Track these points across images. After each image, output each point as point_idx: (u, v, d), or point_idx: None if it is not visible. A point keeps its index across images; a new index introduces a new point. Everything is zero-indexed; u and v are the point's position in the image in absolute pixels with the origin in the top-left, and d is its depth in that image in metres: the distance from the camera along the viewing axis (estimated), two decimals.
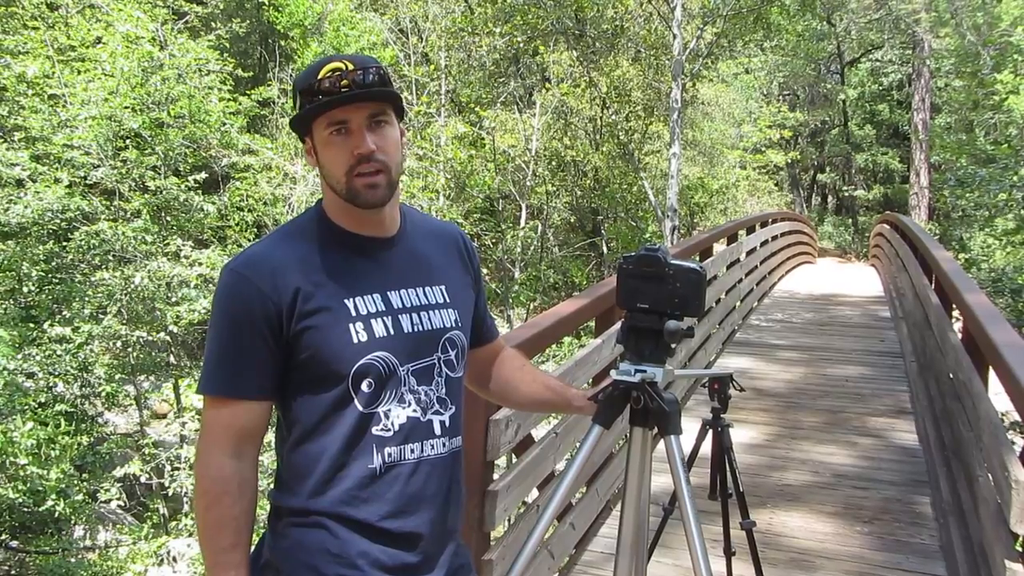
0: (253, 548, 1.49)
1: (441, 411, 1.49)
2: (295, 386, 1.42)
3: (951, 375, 4.33)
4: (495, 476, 2.86)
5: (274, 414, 1.49)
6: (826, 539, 4.07)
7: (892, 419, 6.09)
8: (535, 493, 3.39)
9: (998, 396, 3.11)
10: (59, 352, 8.45)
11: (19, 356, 8.16)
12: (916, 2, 22.67)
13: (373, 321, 1.41)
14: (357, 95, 1.37)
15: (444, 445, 1.48)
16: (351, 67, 1.37)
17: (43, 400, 8.38)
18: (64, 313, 9.22)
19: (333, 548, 1.40)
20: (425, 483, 1.45)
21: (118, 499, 8.95)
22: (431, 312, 1.49)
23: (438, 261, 1.57)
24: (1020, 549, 2.49)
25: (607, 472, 4.08)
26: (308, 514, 1.41)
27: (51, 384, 8.59)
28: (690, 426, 3.35)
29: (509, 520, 3.45)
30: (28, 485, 7.24)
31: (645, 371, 1.60)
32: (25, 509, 7.65)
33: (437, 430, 1.47)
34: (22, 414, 7.61)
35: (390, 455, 1.42)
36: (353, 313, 1.40)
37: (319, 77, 1.36)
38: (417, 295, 1.49)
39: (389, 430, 1.42)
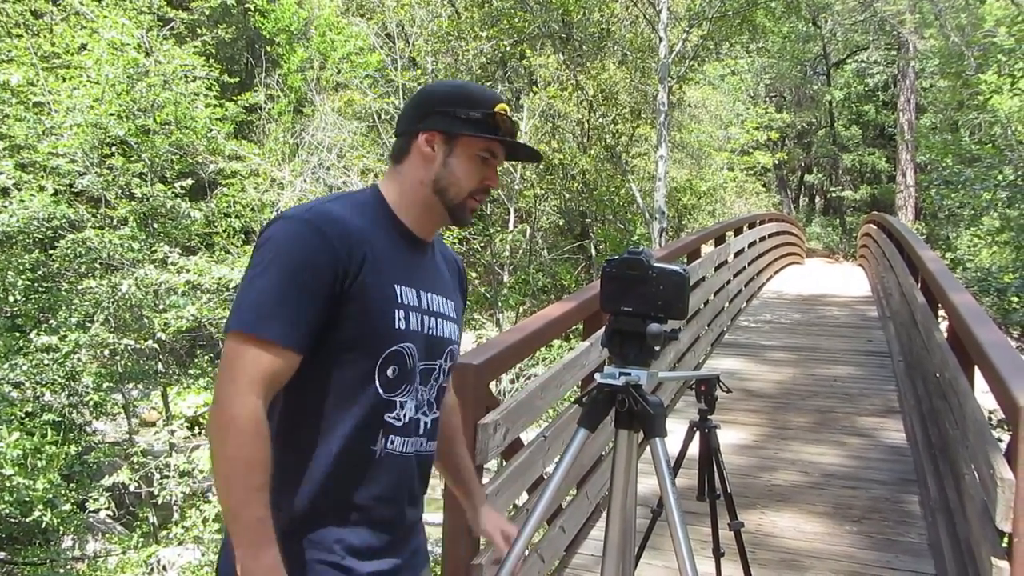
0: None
1: (428, 413, 1.55)
2: (326, 353, 1.42)
3: (937, 374, 4.35)
4: (484, 480, 2.85)
5: None
6: (816, 539, 4.08)
7: (880, 418, 6.12)
8: (525, 497, 3.39)
9: (986, 395, 3.13)
10: (46, 361, 8.38)
11: (5, 366, 8.10)
12: (901, 3, 22.81)
13: (411, 313, 1.48)
14: (522, 149, 1.58)
15: (423, 445, 1.55)
16: (511, 115, 1.55)
17: (30, 410, 8.31)
18: (51, 322, 9.15)
19: (313, 537, 1.44)
20: (409, 476, 1.53)
21: (107, 508, 8.89)
22: (444, 321, 1.58)
23: (449, 280, 1.67)
24: (1006, 546, 2.49)
25: (596, 475, 4.08)
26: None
27: (38, 394, 8.53)
28: (679, 428, 3.36)
29: None
30: (15, 496, 7.17)
31: (629, 374, 1.60)
32: (12, 520, 7.60)
33: (422, 430, 1.54)
34: (8, 424, 7.55)
35: (392, 442, 1.48)
36: (399, 300, 1.47)
37: (496, 110, 1.52)
38: (438, 302, 1.57)
39: (400, 420, 1.48)
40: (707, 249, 8.53)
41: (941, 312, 4.93)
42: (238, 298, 1.39)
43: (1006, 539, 2.45)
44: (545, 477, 3.36)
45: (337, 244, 1.39)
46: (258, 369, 1.35)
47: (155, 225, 10.11)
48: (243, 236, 11.58)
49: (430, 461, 1.61)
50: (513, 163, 12.97)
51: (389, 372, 1.45)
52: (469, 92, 1.55)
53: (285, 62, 14.56)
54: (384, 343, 1.44)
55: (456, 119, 1.51)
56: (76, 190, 10.12)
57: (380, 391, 1.45)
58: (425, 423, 1.55)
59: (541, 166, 16.38)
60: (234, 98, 12.02)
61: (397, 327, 1.45)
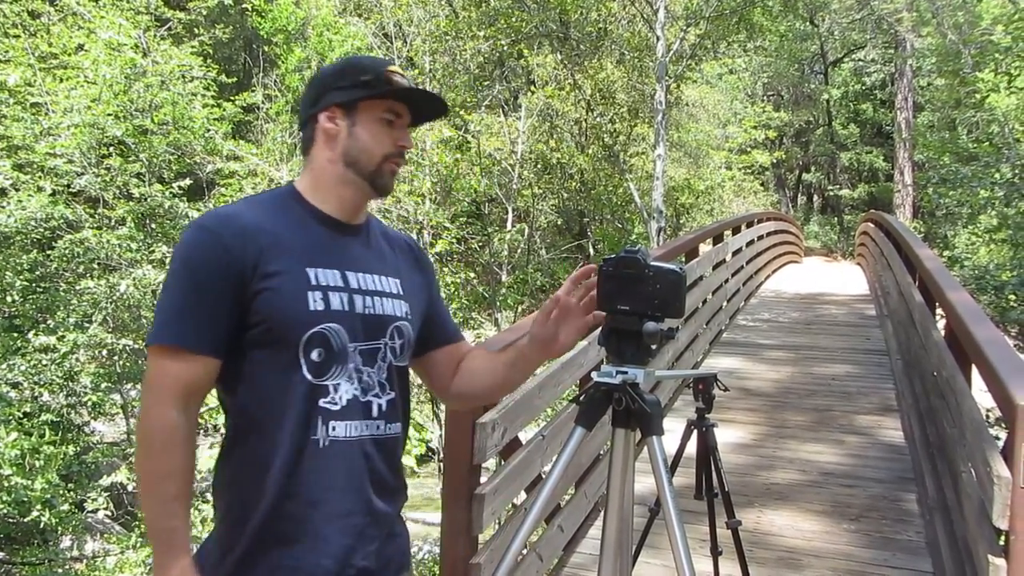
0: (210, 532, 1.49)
1: (380, 394, 1.52)
2: (248, 350, 1.43)
3: (935, 372, 4.36)
4: (482, 480, 2.85)
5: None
6: (814, 537, 4.09)
7: (878, 417, 6.13)
8: (523, 495, 3.39)
9: (984, 393, 3.13)
10: (44, 361, 8.37)
11: (3, 366, 8.09)
12: (898, 1, 22.82)
13: (331, 293, 1.46)
14: (431, 98, 1.59)
15: (379, 428, 1.51)
16: (405, 75, 1.56)
17: (28, 410, 8.30)
18: (49, 322, 9.14)
19: (272, 543, 1.42)
20: (367, 462, 1.49)
21: (105, 508, 8.87)
22: (384, 299, 1.55)
23: (394, 259, 1.65)
24: (1003, 544, 2.50)
25: (595, 474, 4.08)
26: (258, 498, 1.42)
27: (36, 394, 8.52)
28: (677, 426, 3.37)
29: (498, 523, 3.45)
30: (13, 496, 7.16)
31: (626, 373, 1.60)
32: (11, 520, 7.58)
33: (374, 412, 1.51)
34: (6, 424, 7.54)
35: (334, 428, 1.45)
36: (313, 282, 1.45)
37: (390, 70, 1.53)
38: (374, 281, 1.55)
39: (336, 404, 1.45)
40: (705, 248, 8.53)
41: (939, 311, 4.94)
42: (155, 313, 1.44)
43: (1003, 537, 2.46)
44: (543, 476, 3.37)
45: (231, 241, 1.41)
46: (172, 378, 1.39)
47: (153, 225, 10.10)
48: None
49: (394, 443, 1.56)
50: (511, 164, 12.81)
51: (314, 355, 1.43)
52: (357, 61, 1.58)
53: (283, 62, 14.53)
54: (301, 326, 1.42)
55: (350, 88, 1.52)
56: (74, 190, 10.11)
57: (308, 376, 1.43)
58: (379, 405, 1.52)
59: (539, 165, 16.40)
60: (232, 98, 12.01)
61: (312, 309, 1.43)
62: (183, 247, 1.43)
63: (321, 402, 1.44)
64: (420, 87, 1.58)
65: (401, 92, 1.53)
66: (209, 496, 8.54)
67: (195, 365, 1.40)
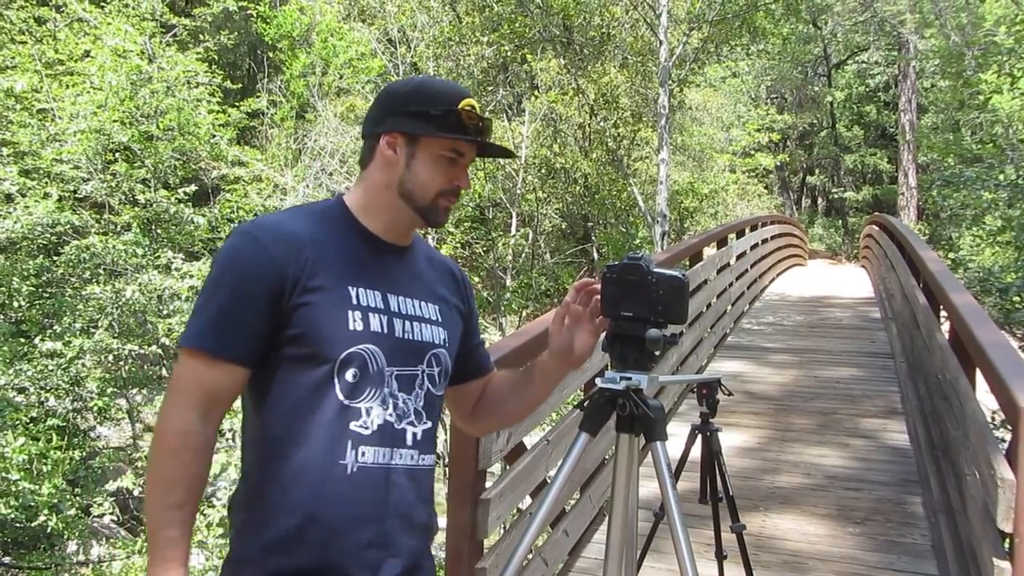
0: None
1: (416, 423, 1.47)
2: (281, 364, 1.39)
3: (939, 375, 4.36)
4: (487, 484, 2.87)
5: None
6: (818, 541, 4.09)
7: (883, 420, 6.13)
8: (529, 501, 3.40)
9: (989, 396, 3.13)
10: (50, 367, 8.40)
11: (10, 371, 8.13)
12: (901, 4, 22.82)
13: (371, 314, 1.42)
14: (491, 148, 1.53)
15: (413, 458, 1.46)
16: (479, 110, 1.49)
17: (35, 415, 8.33)
18: (55, 327, 9.18)
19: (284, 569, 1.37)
20: (395, 493, 1.42)
21: (111, 513, 8.90)
22: (423, 325, 1.51)
23: (436, 284, 1.60)
24: (1007, 546, 2.50)
25: (599, 479, 4.09)
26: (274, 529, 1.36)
27: (43, 399, 8.55)
28: (682, 431, 3.38)
29: (503, 527, 3.46)
30: (20, 501, 7.19)
31: (630, 378, 1.62)
32: (17, 525, 7.61)
33: (409, 441, 1.45)
34: (13, 429, 7.57)
35: (363, 454, 1.39)
36: (354, 301, 1.41)
37: (461, 107, 1.46)
38: (414, 305, 1.51)
39: (368, 428, 1.40)
40: (709, 252, 8.54)
41: (943, 313, 4.94)
42: (191, 315, 1.41)
43: (1007, 540, 2.46)
44: (548, 481, 3.38)
45: (273, 250, 1.37)
46: (193, 382, 1.36)
47: (158, 231, 10.13)
48: None
49: (426, 475, 1.50)
50: (515, 168, 12.85)
51: (349, 376, 1.38)
52: (430, 89, 1.50)
53: (287, 68, 14.59)
54: (338, 345, 1.38)
55: (417, 119, 1.46)
56: (80, 196, 10.15)
57: (341, 397, 1.38)
58: (415, 434, 1.46)
59: (543, 170, 16.43)
60: (236, 104, 12.05)
61: (352, 328, 1.39)
62: (226, 251, 1.40)
63: (352, 425, 1.39)
64: (490, 128, 1.51)
65: (464, 138, 1.47)
66: (215, 500, 8.59)
67: (221, 372, 1.36)
